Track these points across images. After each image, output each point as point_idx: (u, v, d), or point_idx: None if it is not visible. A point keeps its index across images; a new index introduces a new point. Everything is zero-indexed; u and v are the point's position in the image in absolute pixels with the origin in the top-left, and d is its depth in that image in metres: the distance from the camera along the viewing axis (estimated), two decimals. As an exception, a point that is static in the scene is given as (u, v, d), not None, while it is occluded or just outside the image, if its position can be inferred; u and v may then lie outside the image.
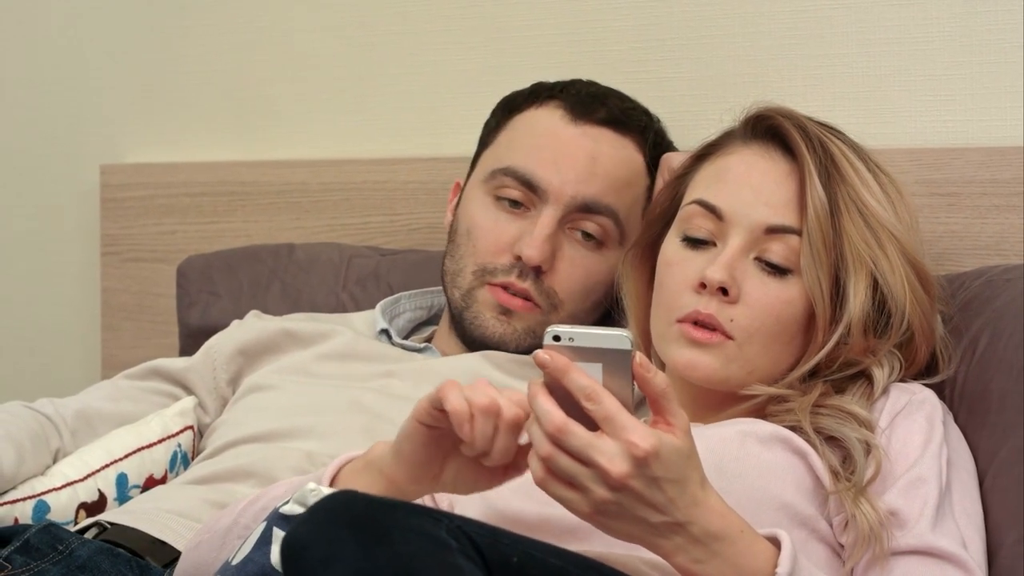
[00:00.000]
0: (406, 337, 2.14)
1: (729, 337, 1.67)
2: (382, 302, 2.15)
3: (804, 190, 1.69)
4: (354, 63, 2.53)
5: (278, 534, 1.41)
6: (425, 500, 1.70)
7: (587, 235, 2.00)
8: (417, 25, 2.48)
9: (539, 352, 1.37)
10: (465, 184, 2.11)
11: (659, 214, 1.81)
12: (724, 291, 1.67)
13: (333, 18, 2.55)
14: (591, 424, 1.37)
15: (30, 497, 1.93)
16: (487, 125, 2.13)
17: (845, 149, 1.73)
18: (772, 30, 2.19)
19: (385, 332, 2.10)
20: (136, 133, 2.72)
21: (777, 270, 1.69)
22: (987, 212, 1.99)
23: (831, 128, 1.76)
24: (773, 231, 1.69)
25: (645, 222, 1.88)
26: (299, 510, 1.42)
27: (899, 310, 1.69)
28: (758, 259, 1.69)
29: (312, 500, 1.41)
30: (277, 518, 1.43)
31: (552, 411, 1.37)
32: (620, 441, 1.35)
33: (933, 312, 1.74)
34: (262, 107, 2.61)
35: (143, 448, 2.04)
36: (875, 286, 1.69)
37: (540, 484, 1.39)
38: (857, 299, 1.67)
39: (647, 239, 1.82)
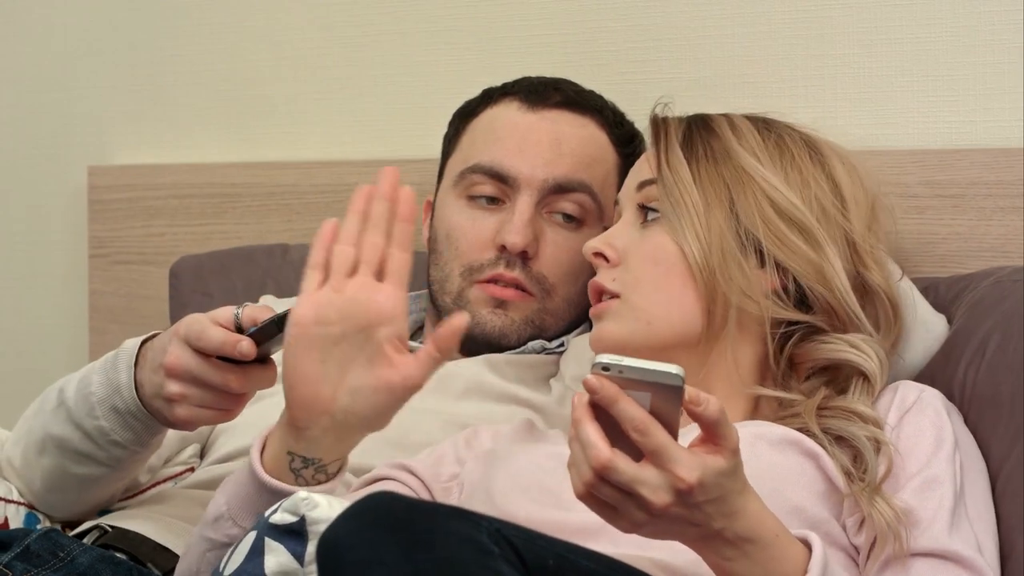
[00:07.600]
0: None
1: (615, 296, 1.72)
2: (387, 304, 2.13)
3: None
4: (345, 64, 2.52)
5: (271, 544, 1.40)
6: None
7: (567, 217, 2.01)
8: (409, 26, 2.47)
9: (589, 378, 1.36)
10: (435, 197, 2.10)
11: None
12: (605, 258, 1.74)
13: (324, 19, 2.54)
14: (634, 445, 1.36)
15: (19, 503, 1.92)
16: (446, 137, 2.12)
17: (721, 118, 1.77)
18: (772, 30, 2.18)
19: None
20: (124, 134, 2.70)
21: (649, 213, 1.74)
22: (992, 214, 1.99)
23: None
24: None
25: None
26: (291, 519, 1.40)
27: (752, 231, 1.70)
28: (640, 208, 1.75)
29: (304, 509, 1.40)
30: (267, 528, 1.41)
31: (598, 444, 1.36)
32: (666, 472, 1.36)
33: (825, 261, 1.71)
34: (252, 108, 2.59)
35: (160, 482, 2.04)
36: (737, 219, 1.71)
37: (580, 499, 1.39)
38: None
39: None
